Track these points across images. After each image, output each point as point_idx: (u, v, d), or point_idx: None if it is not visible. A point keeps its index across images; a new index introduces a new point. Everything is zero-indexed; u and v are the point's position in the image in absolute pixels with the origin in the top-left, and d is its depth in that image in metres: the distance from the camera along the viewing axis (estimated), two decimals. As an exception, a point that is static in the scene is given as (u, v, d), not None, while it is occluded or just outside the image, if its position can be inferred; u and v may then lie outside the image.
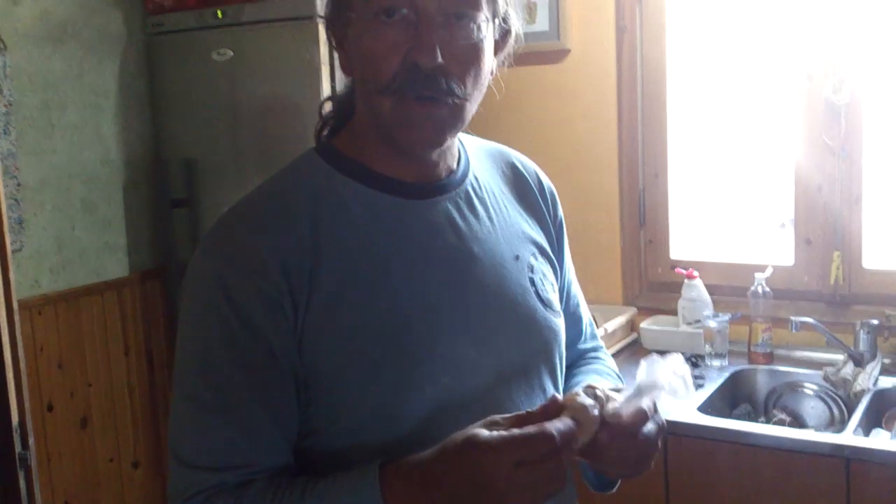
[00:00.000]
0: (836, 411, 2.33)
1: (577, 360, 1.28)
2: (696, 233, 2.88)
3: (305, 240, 0.98)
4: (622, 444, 0.94)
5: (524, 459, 0.84)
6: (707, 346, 2.49)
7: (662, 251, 2.80)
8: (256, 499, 0.93)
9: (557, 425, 0.87)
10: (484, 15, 0.99)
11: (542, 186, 1.22)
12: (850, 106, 2.42)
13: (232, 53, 2.61)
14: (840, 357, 2.39)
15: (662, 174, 2.77)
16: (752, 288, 2.51)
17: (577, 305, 1.30)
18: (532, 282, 1.10)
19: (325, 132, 1.11)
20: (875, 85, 2.45)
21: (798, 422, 2.35)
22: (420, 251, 1.03)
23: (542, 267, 1.14)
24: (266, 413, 0.96)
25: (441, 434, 0.91)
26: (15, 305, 1.46)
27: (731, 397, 2.43)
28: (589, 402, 0.92)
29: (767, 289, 2.50)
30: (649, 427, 0.96)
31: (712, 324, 2.48)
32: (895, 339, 2.41)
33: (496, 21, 1.02)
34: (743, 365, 2.48)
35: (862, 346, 2.36)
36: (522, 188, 1.19)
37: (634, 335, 2.76)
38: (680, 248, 2.81)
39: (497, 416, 0.90)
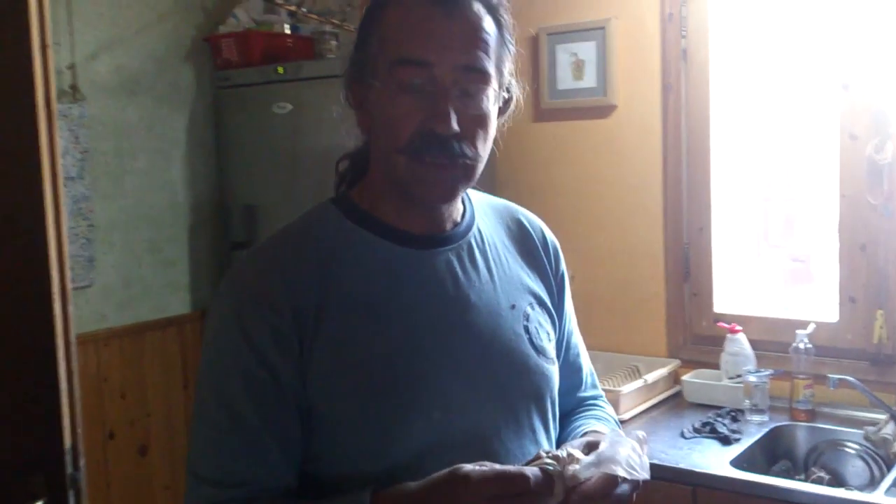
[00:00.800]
0: (876, 471, 2.30)
1: (577, 407, 1.34)
2: (741, 287, 2.89)
3: (314, 282, 1.08)
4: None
5: (499, 494, 0.92)
6: (746, 401, 2.50)
7: (706, 305, 2.82)
8: None
9: (535, 471, 0.95)
10: (492, 87, 1.10)
11: (546, 242, 1.31)
12: (893, 165, 2.43)
13: (291, 107, 2.76)
14: (884, 416, 2.37)
15: (707, 228, 2.80)
16: (794, 344, 2.51)
17: (578, 355, 1.36)
18: (526, 329, 1.18)
19: (343, 186, 1.21)
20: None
21: (838, 480, 2.33)
22: (420, 297, 1.12)
23: (539, 317, 1.22)
24: (272, 437, 1.05)
25: (431, 468, 0.99)
26: (72, 338, 1.59)
27: (771, 453, 2.42)
28: (550, 463, 0.99)
29: (810, 345, 2.49)
30: (623, 487, 1.03)
31: (752, 379, 2.49)
32: (940, 400, 2.39)
33: (501, 91, 1.13)
34: (784, 421, 2.47)
35: (904, 407, 2.34)
36: (526, 243, 1.28)
37: (677, 388, 2.77)
38: (724, 301, 2.82)
39: (488, 463, 0.98)
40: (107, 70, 2.73)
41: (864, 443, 2.33)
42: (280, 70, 2.77)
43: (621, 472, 1.00)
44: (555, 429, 1.23)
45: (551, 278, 1.28)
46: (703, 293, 2.82)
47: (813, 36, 2.63)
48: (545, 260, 1.28)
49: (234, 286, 1.12)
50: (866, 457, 2.34)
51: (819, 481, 2.27)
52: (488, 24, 1.09)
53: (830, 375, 2.34)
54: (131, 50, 2.80)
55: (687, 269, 2.84)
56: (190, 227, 2.98)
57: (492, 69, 1.08)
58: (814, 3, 2.61)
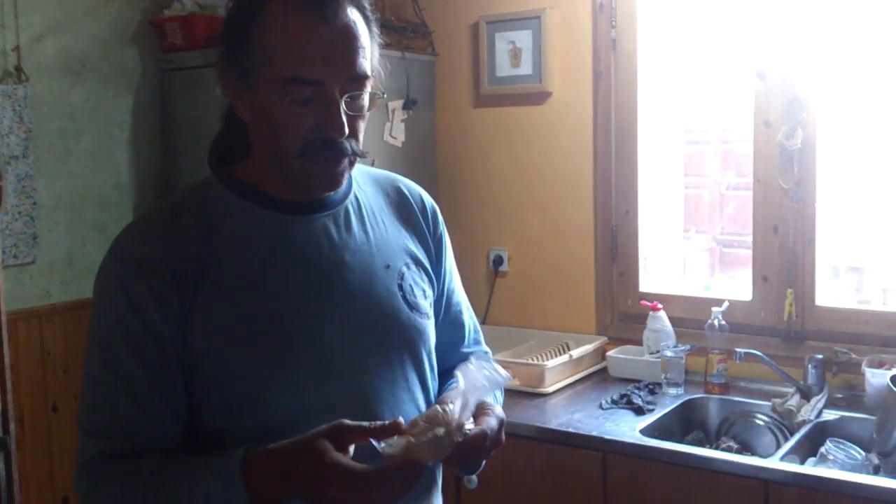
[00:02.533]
0: (781, 440, 2.44)
1: (460, 362, 1.45)
2: (666, 267, 3.03)
3: (194, 247, 1.18)
4: (469, 456, 1.15)
5: (357, 487, 1.03)
6: (663, 375, 2.63)
7: (632, 284, 2.94)
8: (143, 465, 1.12)
9: (400, 480, 1.05)
10: (368, 89, 1.20)
11: (425, 207, 1.41)
12: (803, 151, 2.57)
13: (232, 89, 2.84)
14: (791, 389, 2.51)
15: (633, 210, 2.92)
16: (709, 321, 2.64)
17: (460, 312, 1.47)
18: (401, 287, 1.29)
19: (214, 157, 1.29)
20: (827, 131, 2.59)
21: (748, 449, 2.47)
22: (296, 258, 1.22)
23: (415, 276, 1.32)
24: (155, 390, 1.15)
25: (311, 422, 1.09)
26: (3, 309, 1.68)
27: (685, 424, 2.55)
28: (439, 429, 1.08)
29: (724, 322, 2.63)
30: (490, 423, 1.16)
31: (668, 353, 2.62)
32: (844, 374, 2.53)
33: (374, 79, 1.23)
34: (698, 394, 2.61)
35: (810, 380, 2.48)
36: (405, 209, 1.38)
37: (604, 363, 2.90)
38: (650, 281, 2.95)
39: (346, 422, 1.07)
40: (52, 52, 2.78)
41: (772, 414, 2.48)
42: (222, 54, 2.84)
43: (489, 394, 1.12)
44: (433, 379, 1.33)
45: (430, 240, 1.39)
46: (629, 273, 2.95)
47: (732, 27, 2.76)
48: (423, 223, 1.39)
49: (118, 253, 1.20)
50: (773, 427, 2.48)
51: (728, 450, 2.41)
52: (361, 25, 1.18)
53: (737, 349, 2.47)
54: (77, 32, 2.86)
55: (615, 249, 2.96)
56: (135, 206, 3.05)
57: (369, 69, 1.18)
58: (734, -4, 2.74)
